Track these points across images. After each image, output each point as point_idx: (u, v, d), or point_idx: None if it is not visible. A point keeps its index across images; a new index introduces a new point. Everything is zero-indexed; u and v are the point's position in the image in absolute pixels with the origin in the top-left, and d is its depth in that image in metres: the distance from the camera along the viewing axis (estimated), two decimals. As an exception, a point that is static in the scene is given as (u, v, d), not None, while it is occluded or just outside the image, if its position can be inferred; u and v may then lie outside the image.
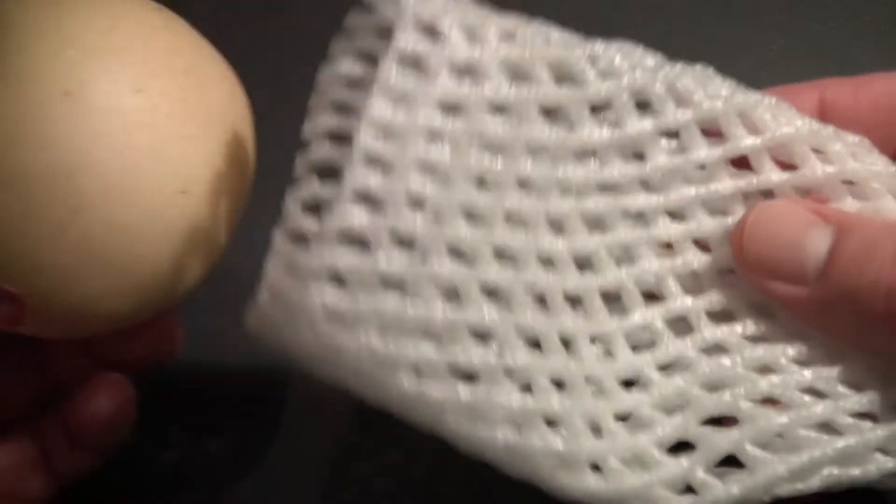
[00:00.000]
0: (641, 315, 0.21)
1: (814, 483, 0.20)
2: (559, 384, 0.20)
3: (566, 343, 0.20)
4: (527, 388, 0.20)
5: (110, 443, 0.25)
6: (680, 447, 0.20)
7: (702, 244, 0.21)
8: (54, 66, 0.19)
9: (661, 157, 0.21)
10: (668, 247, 0.21)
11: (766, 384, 0.20)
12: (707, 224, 0.21)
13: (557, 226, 0.21)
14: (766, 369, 0.20)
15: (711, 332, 0.21)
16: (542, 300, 0.20)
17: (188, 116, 0.21)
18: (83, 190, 0.19)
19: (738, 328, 0.21)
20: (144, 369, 0.25)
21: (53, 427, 0.24)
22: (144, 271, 0.21)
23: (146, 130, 0.20)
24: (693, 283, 0.21)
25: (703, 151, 0.21)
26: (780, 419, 0.20)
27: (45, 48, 0.19)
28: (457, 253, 0.20)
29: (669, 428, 0.20)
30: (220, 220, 0.22)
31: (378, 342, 0.19)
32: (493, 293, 0.20)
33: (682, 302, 0.21)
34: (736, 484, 0.19)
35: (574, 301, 0.21)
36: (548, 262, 0.20)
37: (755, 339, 0.21)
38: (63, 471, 0.24)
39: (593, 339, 0.21)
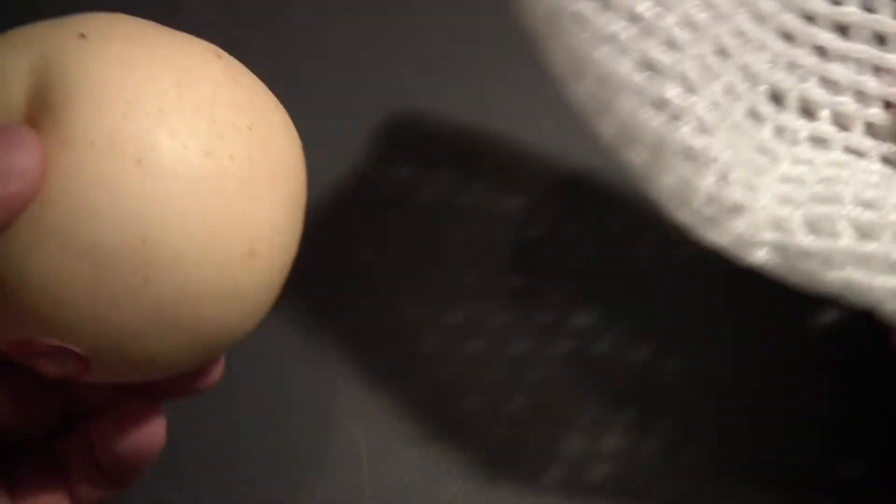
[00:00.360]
0: None
1: None
2: None
3: None
4: None
5: (137, 473, 0.24)
6: None
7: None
8: (124, 132, 0.19)
9: None
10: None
11: None
12: None
13: None
14: None
15: None
16: None
17: (255, 177, 0.20)
18: (155, 259, 0.19)
19: None
20: (177, 399, 0.24)
21: (76, 451, 0.23)
22: (210, 330, 0.21)
23: (216, 195, 0.20)
24: None
25: None
26: None
27: (112, 112, 0.19)
28: None
29: None
30: (282, 273, 0.22)
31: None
32: None
33: None
34: None
35: None
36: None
37: None
38: (83, 496, 0.23)
39: None
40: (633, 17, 0.21)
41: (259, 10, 0.39)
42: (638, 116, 0.22)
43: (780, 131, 0.24)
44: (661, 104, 0.21)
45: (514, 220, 0.34)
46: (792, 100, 0.24)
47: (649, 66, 0.22)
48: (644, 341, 0.31)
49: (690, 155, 0.21)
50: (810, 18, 0.24)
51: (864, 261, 0.21)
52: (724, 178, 0.21)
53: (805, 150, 0.24)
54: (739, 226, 0.22)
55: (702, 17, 0.22)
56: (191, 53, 0.21)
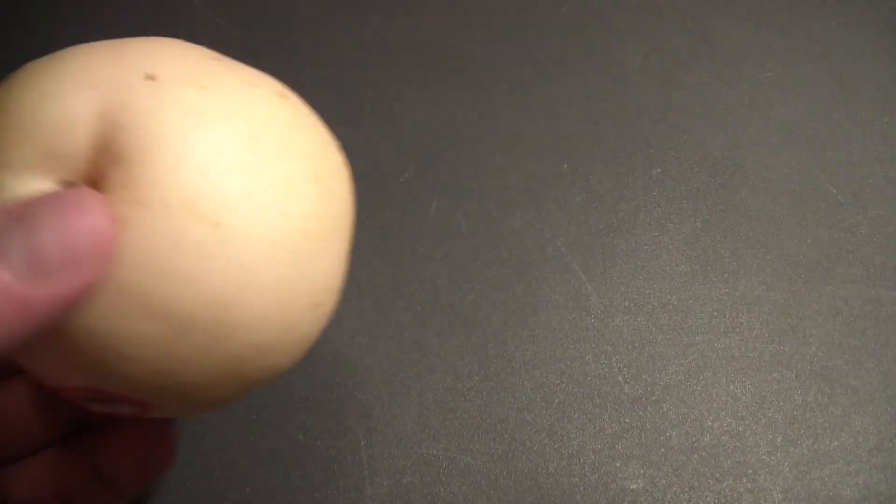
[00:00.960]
0: None
1: None
2: None
3: None
4: None
5: (144, 486, 0.23)
6: None
7: None
8: (200, 192, 0.18)
9: None
10: None
11: None
12: None
13: None
14: None
15: None
16: None
17: (321, 231, 0.20)
18: (229, 319, 0.19)
19: None
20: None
21: (79, 464, 0.23)
22: (268, 375, 0.21)
23: (289, 254, 0.19)
24: None
25: None
26: None
27: (188, 170, 0.18)
28: None
29: None
30: (331, 315, 0.22)
31: None
32: None
33: None
34: None
35: None
36: None
37: None
38: None
39: None
40: None
41: (262, 12, 0.39)
42: None
43: None
44: None
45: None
46: None
47: None
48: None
49: None
50: None
51: None
52: None
53: None
54: None
55: None
56: (260, 98, 0.20)
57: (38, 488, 0.23)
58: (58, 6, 0.40)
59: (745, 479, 0.29)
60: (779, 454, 0.29)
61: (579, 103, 0.37)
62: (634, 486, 0.29)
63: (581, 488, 0.29)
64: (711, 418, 0.30)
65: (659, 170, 0.35)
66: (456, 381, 0.31)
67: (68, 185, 0.18)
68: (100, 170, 0.18)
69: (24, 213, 0.17)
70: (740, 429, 0.30)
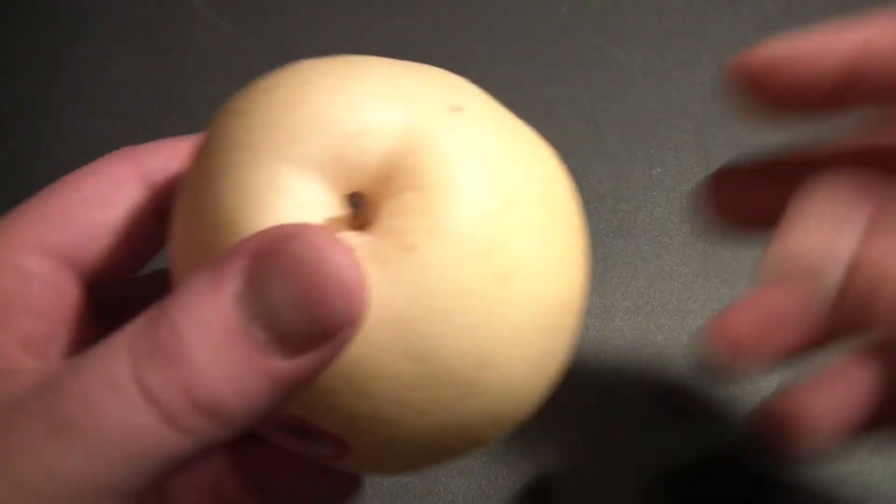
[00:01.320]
0: None
1: None
2: None
3: None
4: None
5: None
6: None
7: None
8: (499, 242, 0.16)
9: None
10: None
11: None
12: None
13: None
14: None
15: None
16: None
17: (581, 306, 0.19)
18: (483, 379, 0.17)
19: None
20: None
21: (244, 476, 0.21)
22: (500, 433, 0.19)
23: (555, 327, 0.18)
24: None
25: None
26: None
27: (491, 215, 0.17)
28: None
29: None
30: None
31: None
32: None
33: None
34: None
35: None
36: None
37: None
38: None
39: None
40: None
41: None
42: None
43: None
44: None
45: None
46: None
47: None
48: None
49: None
50: None
51: None
52: None
53: None
54: None
55: None
56: (530, 134, 0.19)
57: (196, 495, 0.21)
58: (58, 6, 0.40)
59: (745, 479, 0.29)
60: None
61: (579, 103, 0.37)
62: (634, 486, 0.29)
63: (581, 488, 0.29)
64: (712, 419, 0.30)
65: (659, 170, 0.35)
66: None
67: (348, 199, 0.16)
68: (381, 189, 0.16)
69: (272, 271, 0.15)
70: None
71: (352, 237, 0.16)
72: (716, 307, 0.32)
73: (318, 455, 0.18)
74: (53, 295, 0.19)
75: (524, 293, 0.17)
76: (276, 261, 0.15)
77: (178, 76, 0.38)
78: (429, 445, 0.18)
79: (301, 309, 0.15)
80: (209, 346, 0.15)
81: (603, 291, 0.33)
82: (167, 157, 0.21)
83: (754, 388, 0.30)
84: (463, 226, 0.16)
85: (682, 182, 0.35)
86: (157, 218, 0.20)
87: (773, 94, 0.21)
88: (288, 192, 0.16)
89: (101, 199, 0.20)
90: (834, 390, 0.22)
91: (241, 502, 0.21)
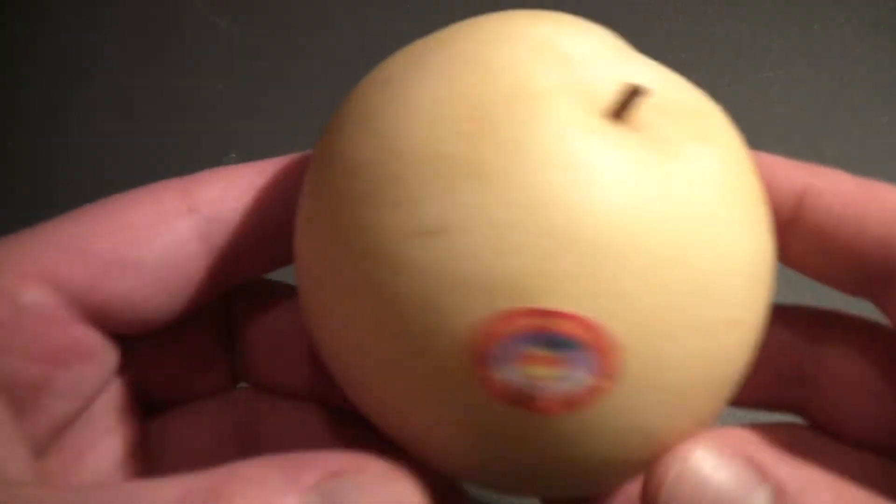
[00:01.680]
0: None
1: None
2: None
3: None
4: None
5: None
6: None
7: None
8: (749, 170, 0.16)
9: None
10: None
11: None
12: None
13: None
14: None
15: None
16: None
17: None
18: (746, 302, 0.16)
19: None
20: None
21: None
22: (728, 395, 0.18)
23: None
24: None
25: None
26: None
27: (735, 135, 0.17)
28: None
29: None
30: None
31: None
32: None
33: None
34: None
35: None
36: None
37: None
38: None
39: None
40: None
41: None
42: None
43: None
44: None
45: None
46: None
47: None
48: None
49: None
50: None
51: None
52: None
53: None
54: None
55: None
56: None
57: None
58: (58, 6, 0.40)
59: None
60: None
61: (579, 103, 0.37)
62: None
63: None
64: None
65: (659, 170, 0.35)
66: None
67: (629, 90, 0.15)
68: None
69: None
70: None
71: (616, 130, 0.15)
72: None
73: (570, 389, 0.14)
74: (51, 333, 0.16)
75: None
76: (351, 483, 0.14)
77: (178, 76, 0.38)
78: (694, 385, 0.15)
79: None
80: None
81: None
82: (223, 187, 0.18)
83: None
84: (730, 138, 0.16)
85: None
86: (208, 258, 0.18)
87: None
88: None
89: (136, 233, 0.17)
90: None
91: None
